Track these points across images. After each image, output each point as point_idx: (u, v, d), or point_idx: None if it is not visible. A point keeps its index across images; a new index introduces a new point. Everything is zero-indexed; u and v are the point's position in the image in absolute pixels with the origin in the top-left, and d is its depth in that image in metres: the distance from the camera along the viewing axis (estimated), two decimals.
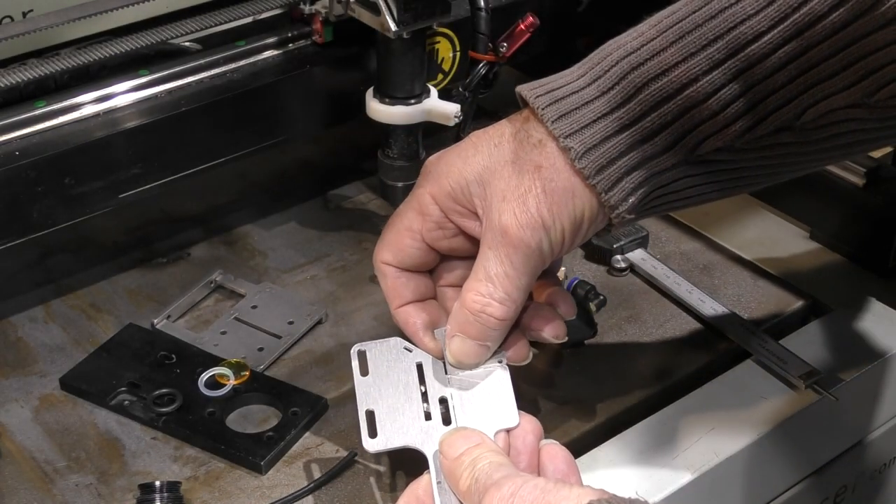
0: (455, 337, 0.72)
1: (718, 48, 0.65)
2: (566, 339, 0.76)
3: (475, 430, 0.67)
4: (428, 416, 0.70)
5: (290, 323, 0.93)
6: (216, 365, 0.87)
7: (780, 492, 0.89)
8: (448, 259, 0.76)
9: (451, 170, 0.71)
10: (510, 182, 0.68)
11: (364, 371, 0.73)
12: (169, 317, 0.94)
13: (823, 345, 0.93)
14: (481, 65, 0.96)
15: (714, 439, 0.84)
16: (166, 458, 0.82)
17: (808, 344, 0.92)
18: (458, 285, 0.75)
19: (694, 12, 0.66)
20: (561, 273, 0.93)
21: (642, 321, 0.95)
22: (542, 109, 0.68)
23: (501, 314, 0.70)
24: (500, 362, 0.73)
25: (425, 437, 0.69)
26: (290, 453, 0.83)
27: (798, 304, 0.98)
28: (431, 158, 0.73)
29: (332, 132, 1.09)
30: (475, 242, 0.72)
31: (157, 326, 0.93)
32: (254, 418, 0.85)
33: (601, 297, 0.95)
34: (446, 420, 0.70)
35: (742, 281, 1.00)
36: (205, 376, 0.86)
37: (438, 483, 0.65)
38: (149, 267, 1.02)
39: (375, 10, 0.91)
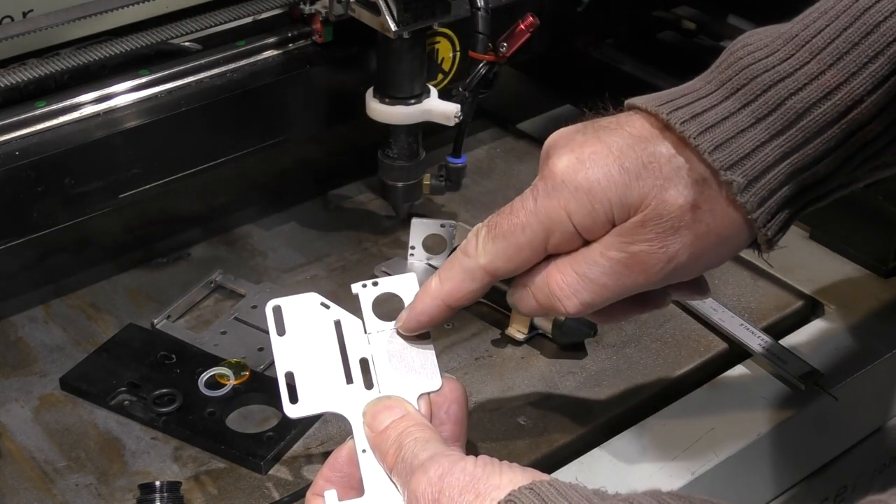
0: (525, 288, 0.68)
1: (881, 64, 0.62)
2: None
3: (399, 400, 0.66)
4: (350, 379, 0.68)
5: None
6: (216, 365, 0.88)
7: (780, 492, 0.89)
8: None
9: (592, 187, 0.64)
10: (657, 211, 0.64)
11: (281, 330, 0.70)
12: (169, 317, 0.94)
13: (823, 345, 0.93)
14: (481, 65, 0.96)
15: (714, 439, 0.84)
16: (166, 458, 0.82)
17: (808, 344, 0.92)
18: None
19: (846, 29, 0.62)
20: None
21: (642, 321, 0.95)
22: (695, 138, 0.64)
23: (575, 311, 0.67)
24: None
25: (348, 402, 0.67)
26: (290, 453, 0.83)
27: (798, 304, 0.98)
28: (564, 166, 0.65)
29: (332, 132, 1.09)
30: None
31: (157, 326, 0.93)
32: (254, 418, 0.85)
33: None
34: (368, 383, 0.68)
35: (742, 281, 1.00)
36: (205, 376, 0.87)
37: (363, 451, 0.65)
38: (149, 267, 1.02)
39: (375, 10, 0.91)
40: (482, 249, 0.68)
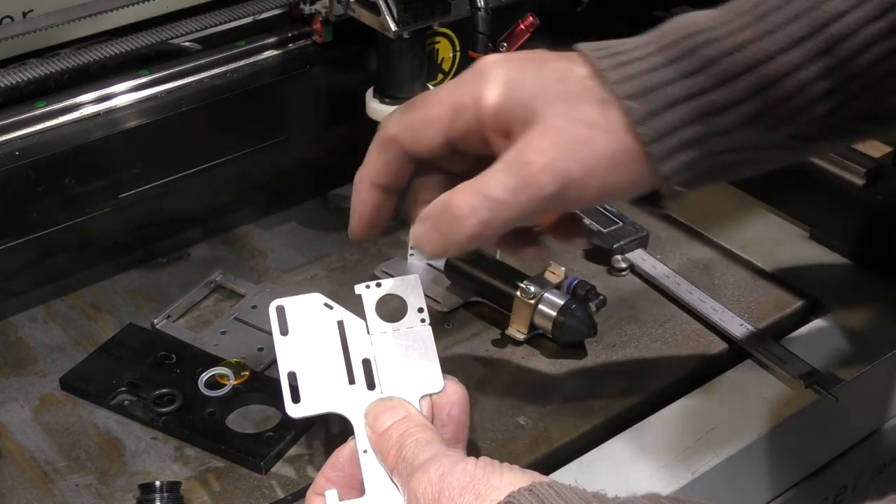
0: (427, 221, 0.68)
1: (800, 26, 0.63)
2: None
3: (401, 401, 0.67)
4: (352, 380, 0.69)
5: None
6: (216, 365, 0.88)
7: (780, 492, 0.89)
8: (426, 178, 0.73)
9: (508, 81, 0.66)
10: (557, 123, 0.65)
11: (284, 330, 0.70)
12: (169, 317, 0.94)
13: (823, 345, 0.93)
14: None
15: (714, 439, 0.84)
16: (166, 458, 0.82)
17: (808, 344, 0.92)
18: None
19: None
20: (560, 272, 0.93)
21: (642, 321, 0.95)
22: (606, 71, 0.65)
23: (475, 233, 0.66)
24: (422, 321, 0.71)
25: (350, 403, 0.67)
26: (290, 453, 0.83)
27: (798, 304, 0.98)
28: (491, 61, 0.68)
29: (332, 132, 1.09)
30: (475, 163, 0.68)
31: (157, 326, 0.93)
32: (254, 418, 0.85)
33: (601, 297, 0.95)
34: (370, 384, 0.68)
35: (742, 281, 1.00)
36: (205, 376, 0.87)
37: (364, 452, 0.65)
38: (149, 267, 1.02)
39: (375, 10, 0.91)
40: (394, 120, 0.70)
